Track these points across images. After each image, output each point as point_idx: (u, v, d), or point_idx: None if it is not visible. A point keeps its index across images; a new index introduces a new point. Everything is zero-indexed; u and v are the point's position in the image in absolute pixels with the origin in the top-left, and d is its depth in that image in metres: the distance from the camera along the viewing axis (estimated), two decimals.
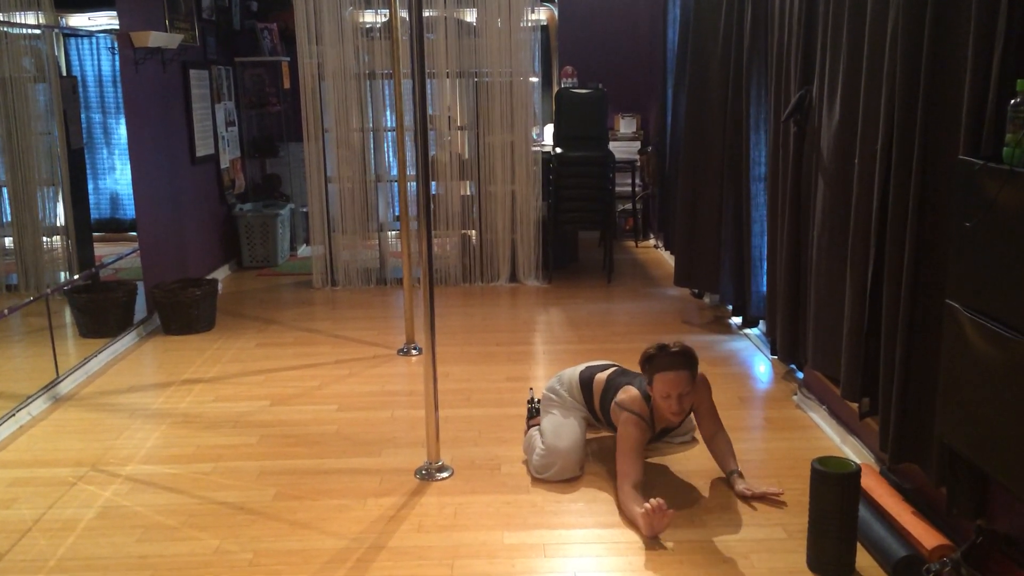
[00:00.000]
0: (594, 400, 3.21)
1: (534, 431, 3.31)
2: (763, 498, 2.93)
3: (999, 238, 1.93)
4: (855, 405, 3.10)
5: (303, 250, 7.44)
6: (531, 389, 3.85)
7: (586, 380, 3.25)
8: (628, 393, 3.01)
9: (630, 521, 2.79)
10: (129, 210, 5.10)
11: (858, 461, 2.82)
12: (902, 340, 2.55)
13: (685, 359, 2.88)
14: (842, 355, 3.05)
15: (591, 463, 3.25)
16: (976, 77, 2.18)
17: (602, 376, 3.21)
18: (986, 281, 1.98)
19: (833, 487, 2.43)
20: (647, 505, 2.65)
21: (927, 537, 2.44)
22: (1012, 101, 1.92)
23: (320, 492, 3.05)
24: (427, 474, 3.17)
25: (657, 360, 2.88)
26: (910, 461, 2.63)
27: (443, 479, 3.15)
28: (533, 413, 3.53)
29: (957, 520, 2.47)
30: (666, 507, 2.65)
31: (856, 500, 2.46)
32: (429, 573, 2.53)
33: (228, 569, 2.56)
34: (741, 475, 3.02)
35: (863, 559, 2.55)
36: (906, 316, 2.53)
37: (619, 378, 3.16)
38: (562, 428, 3.16)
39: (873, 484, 2.77)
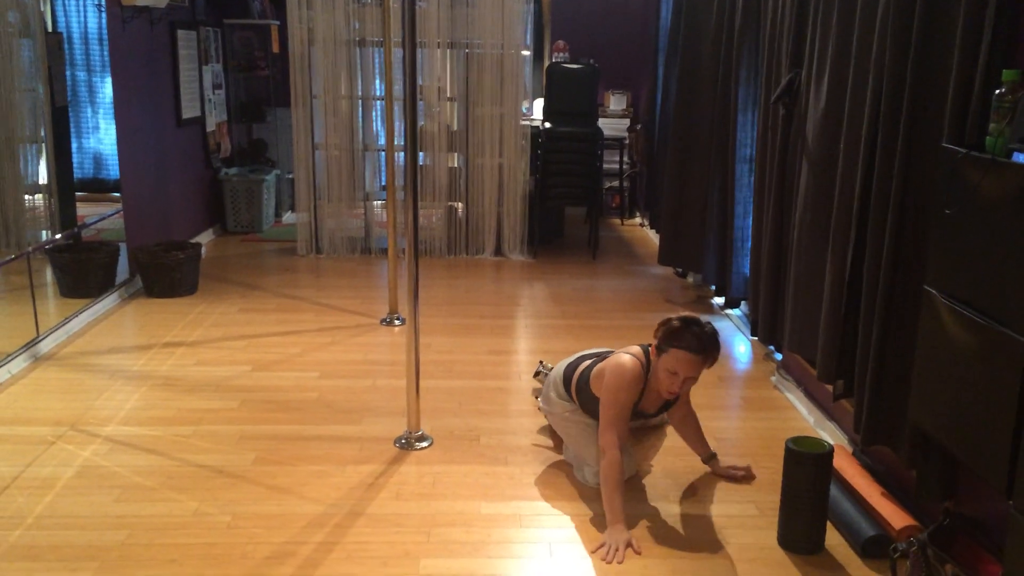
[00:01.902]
0: (572, 392, 3.00)
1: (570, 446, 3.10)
2: (747, 473, 2.96)
3: (978, 226, 1.96)
4: (831, 387, 3.14)
5: (288, 217, 7.40)
6: (540, 362, 3.80)
7: (568, 375, 3.03)
8: (618, 357, 2.79)
9: (605, 501, 2.64)
10: (113, 170, 5.06)
11: (832, 442, 2.87)
12: (879, 324, 2.58)
13: (712, 346, 2.66)
14: (820, 337, 3.09)
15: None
16: (963, 66, 2.20)
17: (582, 366, 2.99)
18: (963, 268, 2.01)
19: (806, 467, 2.47)
20: (608, 552, 2.51)
21: (896, 518, 2.49)
22: (997, 91, 1.94)
23: (299, 458, 3.07)
24: (407, 443, 3.20)
25: (682, 335, 2.64)
26: (882, 443, 2.68)
27: (422, 448, 3.17)
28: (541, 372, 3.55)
29: (926, 502, 2.52)
30: (625, 550, 2.52)
31: (827, 480, 2.50)
32: (406, 540, 2.56)
33: (206, 531, 2.58)
34: (718, 459, 3.02)
35: (833, 537, 2.60)
36: (884, 301, 2.56)
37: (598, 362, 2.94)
38: (582, 440, 2.97)
39: (845, 465, 2.82)
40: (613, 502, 2.61)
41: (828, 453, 2.47)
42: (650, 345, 2.79)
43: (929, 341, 2.16)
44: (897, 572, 2.25)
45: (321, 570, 2.40)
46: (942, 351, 2.10)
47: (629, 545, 2.54)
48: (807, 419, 3.47)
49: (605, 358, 2.92)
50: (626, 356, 2.78)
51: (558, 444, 3.22)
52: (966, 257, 2.01)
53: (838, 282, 2.95)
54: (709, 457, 3.01)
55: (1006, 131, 1.90)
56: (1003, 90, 1.93)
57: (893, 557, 2.24)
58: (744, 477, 2.97)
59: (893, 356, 2.59)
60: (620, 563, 2.47)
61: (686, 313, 2.78)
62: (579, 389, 2.96)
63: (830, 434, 3.25)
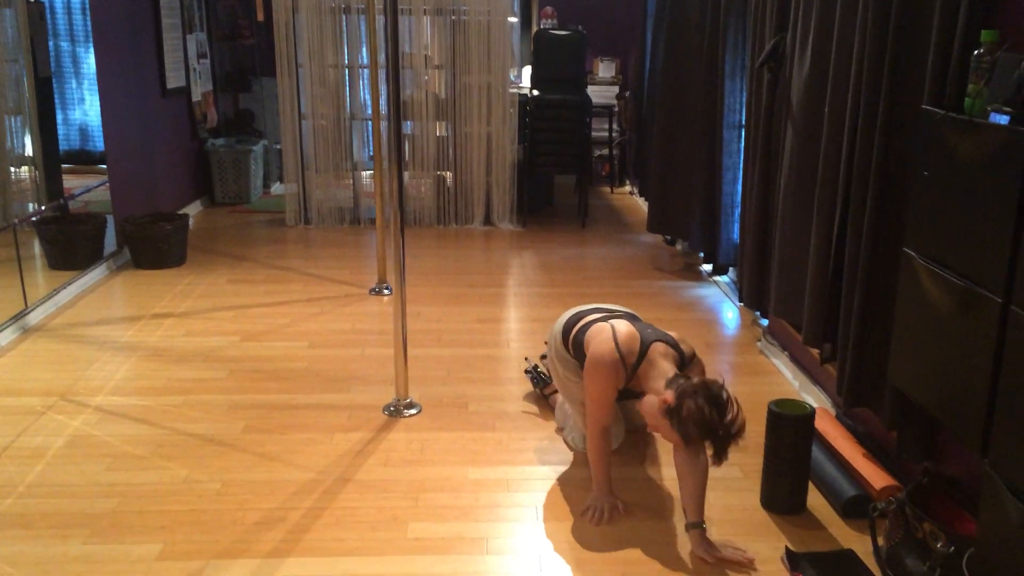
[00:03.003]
0: (569, 348, 2.80)
1: (568, 408, 3.04)
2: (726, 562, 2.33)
3: (955, 188, 1.97)
4: (816, 351, 3.17)
5: (277, 188, 7.38)
6: (526, 359, 3.63)
7: (567, 329, 2.81)
8: (598, 345, 2.55)
9: (592, 467, 2.61)
10: (99, 142, 5.02)
11: (816, 405, 2.90)
12: (861, 288, 2.60)
13: (706, 437, 2.25)
14: (805, 302, 3.11)
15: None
16: (942, 27, 2.20)
17: (584, 319, 2.77)
18: (941, 230, 2.03)
19: (788, 429, 2.50)
20: (594, 515, 2.51)
21: (876, 478, 2.53)
22: (975, 52, 1.94)
23: (288, 426, 3.09)
24: (395, 411, 3.22)
25: (712, 430, 2.22)
26: (864, 406, 2.71)
27: (411, 416, 3.20)
28: (539, 381, 3.35)
29: (906, 463, 2.56)
30: (611, 515, 2.51)
31: (809, 441, 2.53)
32: (394, 505, 2.59)
33: (196, 498, 2.61)
34: (704, 533, 2.36)
35: (815, 498, 2.64)
36: (867, 264, 2.58)
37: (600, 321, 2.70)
38: (576, 399, 2.87)
39: (829, 428, 2.85)
40: (598, 468, 2.59)
41: (809, 415, 2.50)
42: (651, 338, 2.54)
43: (908, 303, 2.18)
44: (876, 531, 2.29)
45: (310, 535, 2.43)
46: (920, 313, 2.12)
47: (615, 508, 2.55)
48: (792, 383, 3.51)
49: (605, 319, 2.71)
50: (605, 347, 2.51)
51: (544, 411, 3.25)
52: (944, 218, 2.02)
53: (823, 246, 2.96)
54: (693, 525, 2.37)
55: (984, 92, 1.91)
56: (981, 51, 1.93)
57: (872, 516, 2.28)
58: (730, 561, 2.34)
59: (876, 319, 2.61)
60: (607, 524, 2.49)
61: (719, 386, 2.29)
62: (575, 347, 2.75)
63: (815, 397, 3.28)
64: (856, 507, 2.51)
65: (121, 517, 2.49)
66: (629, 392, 2.62)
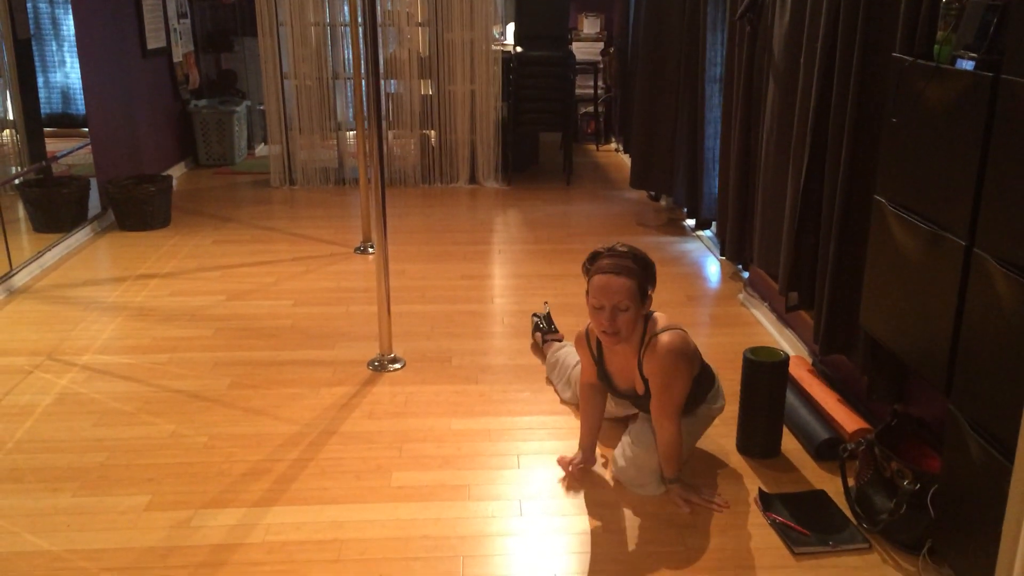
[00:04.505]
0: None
1: (561, 353, 3.12)
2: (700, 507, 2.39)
3: (922, 134, 2.00)
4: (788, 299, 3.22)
5: (261, 149, 7.35)
6: (545, 303, 3.70)
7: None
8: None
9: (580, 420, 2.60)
10: (81, 105, 5.00)
11: (791, 353, 2.96)
12: (836, 236, 2.64)
13: (619, 263, 2.26)
14: (781, 251, 3.15)
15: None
16: None
17: None
18: (909, 176, 2.06)
19: (762, 375, 2.55)
20: (569, 464, 2.54)
21: (848, 421, 2.59)
22: None
23: (274, 382, 3.13)
24: (379, 365, 3.26)
25: (595, 258, 2.33)
26: (838, 352, 2.77)
27: (395, 370, 3.24)
28: (540, 327, 3.40)
29: (877, 406, 2.62)
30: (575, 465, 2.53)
31: (783, 387, 2.59)
32: (378, 456, 2.64)
33: (183, 451, 2.65)
34: (679, 484, 2.42)
35: (789, 442, 2.70)
36: (840, 212, 2.61)
37: None
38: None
39: (803, 374, 2.91)
40: (583, 425, 2.58)
41: (783, 362, 2.55)
42: None
43: (878, 249, 2.22)
44: (846, 472, 2.36)
45: (296, 485, 2.48)
46: (890, 258, 2.16)
47: (590, 463, 2.56)
48: (772, 333, 3.56)
49: None
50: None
51: (528, 366, 3.30)
52: (912, 165, 2.05)
53: (798, 195, 2.99)
54: (671, 480, 2.43)
55: (951, 38, 1.93)
56: None
57: (843, 457, 2.34)
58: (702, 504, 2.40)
59: (849, 267, 2.65)
60: (568, 473, 2.52)
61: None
62: None
63: (792, 346, 3.34)
64: (829, 450, 2.58)
65: (109, 471, 2.54)
66: (621, 391, 2.53)
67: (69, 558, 2.15)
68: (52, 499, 2.39)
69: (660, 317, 2.41)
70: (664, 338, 2.33)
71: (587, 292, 2.32)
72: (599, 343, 2.47)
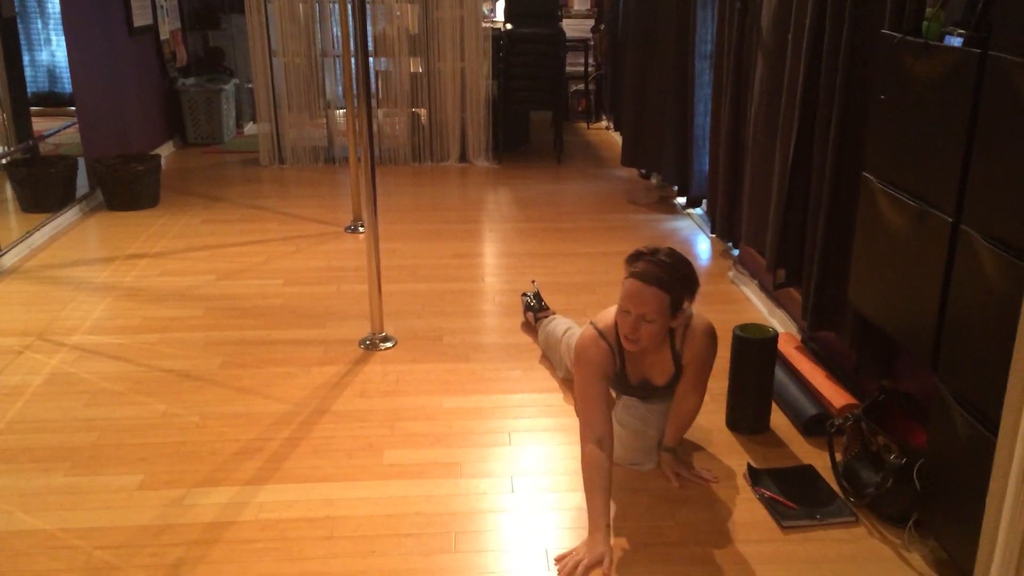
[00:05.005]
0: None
1: (551, 327, 3.06)
2: (690, 481, 2.39)
3: (910, 111, 2.00)
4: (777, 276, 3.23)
5: (250, 127, 7.31)
6: (533, 281, 3.70)
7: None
8: (601, 314, 2.32)
9: (585, 495, 2.15)
10: (68, 84, 4.95)
11: (780, 330, 2.97)
12: (824, 213, 2.65)
13: (656, 272, 2.08)
14: (769, 227, 3.16)
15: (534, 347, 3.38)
16: None
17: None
18: (897, 153, 2.07)
19: (752, 352, 2.57)
20: (565, 567, 2.04)
21: (836, 397, 2.61)
22: None
23: (265, 361, 3.14)
24: (370, 344, 3.27)
25: (630, 264, 2.16)
26: (827, 329, 2.78)
27: (386, 349, 3.25)
28: (531, 307, 3.36)
29: (865, 382, 2.64)
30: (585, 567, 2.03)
31: (772, 364, 2.61)
32: (370, 434, 2.65)
33: (175, 431, 2.66)
34: (676, 455, 2.44)
35: (778, 418, 2.73)
36: (829, 190, 2.62)
37: None
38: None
39: (792, 351, 2.93)
40: (590, 503, 2.10)
41: (772, 339, 2.57)
42: None
43: (867, 226, 2.23)
44: (834, 446, 2.38)
45: (288, 463, 2.49)
46: (878, 235, 2.17)
47: (597, 563, 2.03)
48: (760, 309, 3.58)
49: None
50: (588, 327, 2.28)
51: (519, 344, 3.31)
52: (900, 142, 2.06)
53: (787, 172, 3.00)
54: (667, 449, 2.43)
55: (940, 15, 1.93)
56: None
57: (830, 432, 2.36)
58: (693, 481, 2.39)
59: (838, 244, 2.67)
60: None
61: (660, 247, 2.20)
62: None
63: (780, 322, 3.36)
64: (817, 425, 2.60)
65: (101, 450, 2.55)
66: (639, 386, 2.39)
67: (62, 537, 2.15)
68: (44, 479, 2.40)
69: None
70: (699, 324, 2.27)
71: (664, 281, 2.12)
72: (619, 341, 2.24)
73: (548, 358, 3.14)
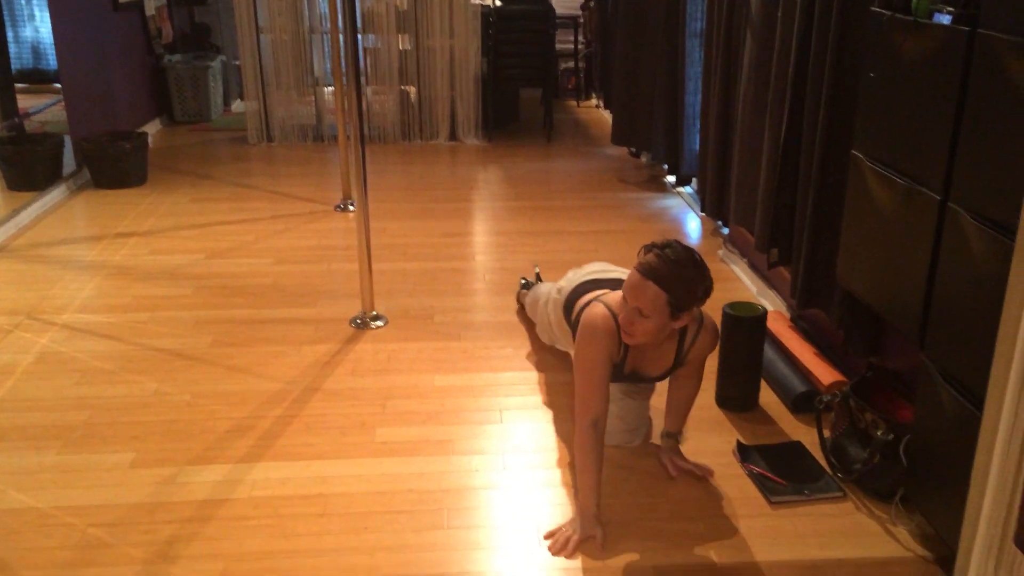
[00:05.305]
0: (571, 323, 2.43)
1: (535, 294, 2.97)
2: (687, 473, 2.35)
3: (899, 89, 2.01)
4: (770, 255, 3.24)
5: (237, 105, 7.25)
6: (536, 267, 3.60)
7: (570, 303, 2.43)
8: (592, 305, 2.20)
9: (578, 474, 2.15)
10: (52, 60, 4.90)
11: (769, 307, 2.99)
12: (814, 192, 2.66)
13: (657, 267, 1.99)
14: (758, 207, 3.17)
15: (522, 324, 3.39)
16: None
17: (585, 299, 2.36)
18: (886, 131, 2.08)
19: (741, 330, 2.59)
20: (556, 543, 2.08)
21: (825, 375, 2.64)
22: None
23: (256, 340, 3.14)
24: (361, 323, 3.27)
25: (640, 254, 2.07)
26: (816, 307, 2.80)
27: (377, 327, 3.25)
28: (527, 285, 3.31)
29: (853, 359, 2.67)
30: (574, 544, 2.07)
31: (761, 342, 2.63)
32: (362, 412, 2.67)
33: (167, 409, 2.66)
34: (677, 443, 2.40)
35: (767, 396, 2.75)
36: (818, 168, 2.63)
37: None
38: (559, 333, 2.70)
39: (781, 329, 2.95)
40: (584, 479, 2.11)
41: (761, 316, 2.59)
42: None
43: (856, 204, 2.25)
44: (822, 423, 2.41)
45: (281, 441, 2.50)
46: (867, 213, 2.19)
47: (589, 541, 2.07)
48: (750, 288, 3.60)
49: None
50: (599, 305, 2.18)
51: (510, 322, 3.32)
52: (889, 120, 2.07)
53: (776, 151, 3.01)
54: (669, 434, 2.40)
55: None
56: None
57: (819, 409, 2.39)
58: (690, 472, 2.34)
59: (827, 222, 2.68)
60: (567, 557, 2.04)
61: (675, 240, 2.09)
62: (574, 326, 2.39)
63: (770, 301, 3.38)
64: (805, 402, 2.63)
65: (93, 428, 2.55)
66: (634, 375, 2.32)
67: (56, 514, 2.16)
68: (37, 457, 2.40)
69: None
70: (710, 325, 2.24)
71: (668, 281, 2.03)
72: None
73: (531, 318, 3.06)
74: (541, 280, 3.42)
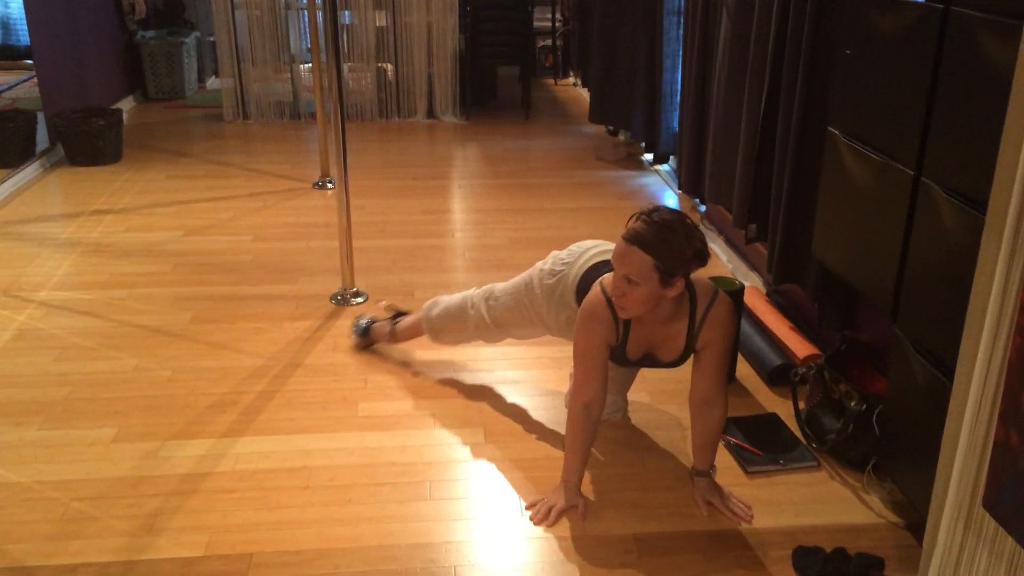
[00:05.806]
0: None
1: (445, 300, 2.73)
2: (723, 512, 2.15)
3: (874, 65, 2.04)
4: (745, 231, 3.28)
5: (212, 82, 7.18)
6: (387, 306, 3.14)
7: (583, 288, 2.26)
8: (610, 275, 2.07)
9: (566, 449, 2.17)
10: (23, 36, 4.83)
11: (747, 283, 3.04)
12: (790, 168, 2.70)
13: (642, 232, 1.91)
14: (736, 184, 3.21)
15: None
16: None
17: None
18: (861, 107, 2.11)
19: None
20: (539, 511, 2.11)
21: (800, 348, 2.69)
22: None
23: (236, 316, 3.14)
24: (342, 299, 3.28)
25: (631, 219, 1.98)
26: (792, 282, 2.85)
27: (358, 304, 3.26)
28: (392, 319, 2.92)
29: (827, 332, 2.72)
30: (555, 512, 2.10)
31: (738, 316, 2.67)
32: (343, 387, 2.68)
33: (148, 384, 2.67)
34: (712, 479, 2.20)
35: (744, 369, 2.80)
36: (795, 145, 2.67)
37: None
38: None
39: (758, 304, 3.00)
40: (568, 458, 2.15)
41: (738, 291, 2.63)
42: None
43: (831, 180, 2.28)
44: (797, 395, 2.46)
45: (263, 416, 2.51)
46: (842, 189, 2.23)
47: (571, 510, 2.11)
48: (727, 265, 3.64)
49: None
50: (596, 287, 2.12)
51: None
52: (864, 96, 2.10)
53: (752, 127, 3.04)
54: (699, 472, 2.19)
55: None
56: None
57: (794, 381, 2.44)
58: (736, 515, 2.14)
59: (803, 198, 2.72)
60: (549, 526, 2.08)
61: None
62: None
63: (747, 278, 3.43)
64: (781, 375, 2.68)
65: (74, 404, 2.55)
66: (646, 359, 2.20)
67: (39, 489, 2.17)
68: (17, 432, 2.40)
69: (696, 278, 2.07)
70: (723, 304, 2.07)
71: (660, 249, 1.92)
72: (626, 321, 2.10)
73: (452, 334, 2.72)
74: (403, 313, 2.91)
